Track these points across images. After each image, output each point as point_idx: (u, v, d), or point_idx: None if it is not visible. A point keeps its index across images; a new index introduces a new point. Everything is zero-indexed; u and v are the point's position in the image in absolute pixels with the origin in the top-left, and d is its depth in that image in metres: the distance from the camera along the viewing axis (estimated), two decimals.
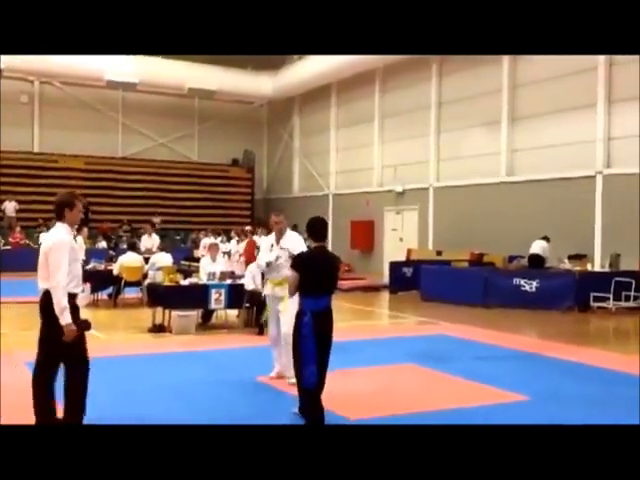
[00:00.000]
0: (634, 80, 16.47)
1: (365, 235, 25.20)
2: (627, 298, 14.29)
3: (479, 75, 20.87)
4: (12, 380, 7.15)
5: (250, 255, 15.05)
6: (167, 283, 11.41)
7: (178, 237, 28.34)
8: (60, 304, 5.05)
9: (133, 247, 15.10)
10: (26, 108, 28.31)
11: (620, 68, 17.06)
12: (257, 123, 33.10)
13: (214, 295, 11.22)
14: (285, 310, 7.12)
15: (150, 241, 17.64)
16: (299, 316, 5.78)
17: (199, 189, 29.97)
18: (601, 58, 17.21)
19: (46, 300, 5.17)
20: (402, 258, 20.82)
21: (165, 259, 13.43)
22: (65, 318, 5.05)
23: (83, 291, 6.76)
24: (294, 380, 6.16)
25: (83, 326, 5.25)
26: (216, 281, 11.45)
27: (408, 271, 18.25)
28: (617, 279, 14.29)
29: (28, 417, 5.27)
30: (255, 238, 18.21)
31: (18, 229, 25.09)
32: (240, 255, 17.54)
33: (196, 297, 11.25)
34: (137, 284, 14.05)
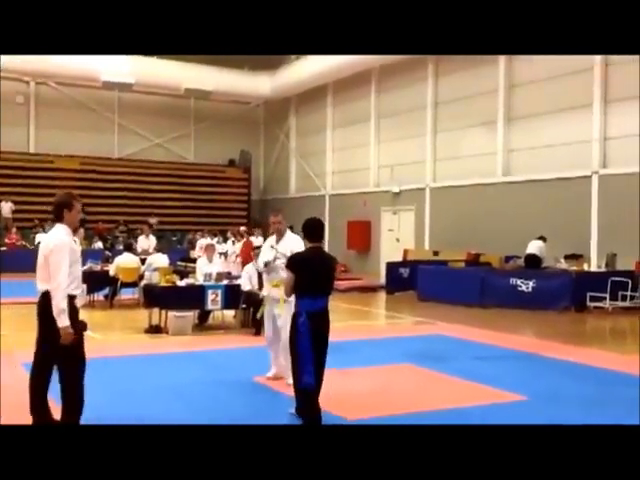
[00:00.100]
0: (630, 80, 16.50)
1: (362, 235, 25.20)
2: (623, 298, 14.31)
3: (475, 75, 20.88)
4: (12, 380, 7.15)
5: (246, 256, 15.02)
6: (163, 284, 11.40)
7: (174, 238, 28.31)
8: (59, 306, 5.02)
9: (129, 248, 15.08)
10: (22, 108, 28.26)
11: (616, 68, 17.08)
12: (253, 123, 33.09)
13: (211, 296, 11.21)
14: (282, 312, 7.10)
15: (147, 242, 17.62)
16: (295, 317, 5.78)
17: (195, 190, 29.94)
18: (597, 58, 17.23)
19: (45, 301, 5.15)
20: (399, 258, 20.81)
21: (161, 260, 13.41)
22: (63, 320, 5.03)
23: (83, 292, 6.75)
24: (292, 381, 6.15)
25: (80, 327, 5.23)
26: (212, 282, 11.43)
27: (405, 271, 18.26)
28: (613, 279, 14.31)
29: (28, 417, 5.26)
30: (252, 239, 18.20)
31: (14, 230, 25.04)
32: (236, 256, 17.52)
33: (192, 298, 11.24)
34: (133, 285, 14.03)
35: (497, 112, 20.08)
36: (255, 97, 30.93)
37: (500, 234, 18.96)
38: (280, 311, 7.17)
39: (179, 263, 18.40)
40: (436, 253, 20.46)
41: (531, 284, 14.94)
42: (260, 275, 10.54)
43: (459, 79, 21.52)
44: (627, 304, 14.29)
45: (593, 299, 14.35)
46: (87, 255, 17.17)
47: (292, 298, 6.03)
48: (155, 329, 11.07)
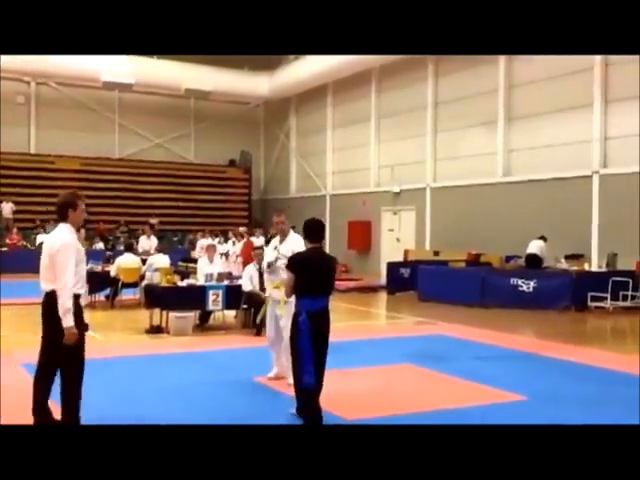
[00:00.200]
0: (630, 80, 16.50)
1: (362, 235, 25.20)
2: (624, 298, 14.30)
3: (475, 75, 20.88)
4: (12, 380, 7.16)
5: (247, 256, 15.02)
6: (164, 284, 11.40)
7: (175, 238, 28.33)
8: (64, 306, 5.02)
9: (130, 248, 15.08)
10: (22, 109, 28.27)
11: (616, 68, 17.09)
12: (254, 123, 33.09)
13: (211, 296, 11.21)
14: (283, 313, 7.10)
15: (148, 243, 17.61)
16: (295, 317, 5.79)
17: (196, 190, 29.96)
18: (597, 58, 17.24)
19: (50, 301, 5.14)
20: (399, 258, 20.82)
21: (162, 260, 13.41)
22: (68, 320, 5.03)
23: (85, 292, 6.76)
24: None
25: (82, 328, 5.24)
26: (213, 282, 11.44)
27: (405, 271, 18.25)
28: (614, 279, 14.30)
29: (28, 417, 5.26)
30: (253, 239, 18.20)
31: (15, 230, 25.05)
32: (237, 256, 17.52)
33: (193, 298, 11.24)
34: (134, 285, 14.03)
35: (497, 112, 20.08)
36: (255, 97, 30.94)
37: (500, 234, 18.96)
38: (281, 312, 7.17)
39: (180, 263, 18.43)
40: (437, 253, 20.47)
41: (532, 284, 14.94)
42: (261, 275, 10.57)
43: (459, 79, 21.53)
44: (628, 304, 14.28)
45: (594, 299, 14.34)
46: (88, 255, 17.16)
47: (292, 298, 6.04)
48: (156, 329, 11.07)
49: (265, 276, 7.91)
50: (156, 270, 12.26)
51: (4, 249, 23.61)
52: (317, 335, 5.67)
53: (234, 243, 19.17)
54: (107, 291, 14.34)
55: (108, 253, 19.25)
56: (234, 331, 11.47)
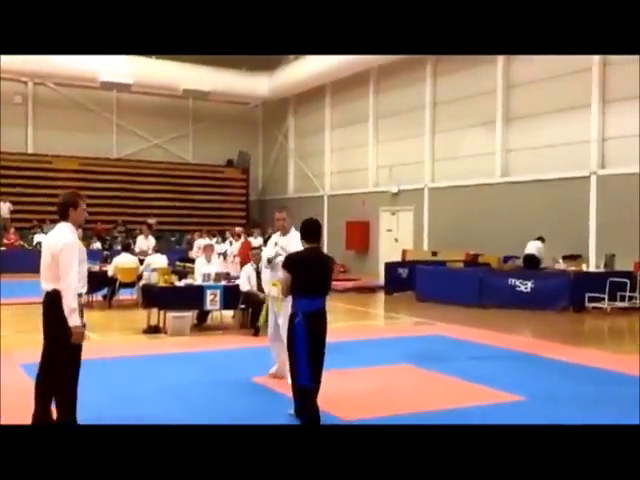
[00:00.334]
0: (629, 80, 16.50)
1: (360, 236, 25.20)
2: (622, 298, 14.31)
3: (474, 75, 20.88)
4: (12, 380, 7.15)
5: (245, 256, 15.02)
6: (162, 284, 11.39)
7: (173, 238, 28.30)
8: (70, 305, 5.01)
9: (127, 248, 15.07)
10: (20, 109, 28.23)
11: (614, 68, 17.09)
12: (252, 124, 33.07)
13: (209, 296, 11.21)
14: (279, 310, 7.11)
15: (146, 243, 17.60)
16: (292, 317, 5.78)
17: (194, 190, 29.93)
18: (595, 58, 17.24)
19: (51, 301, 5.13)
20: (397, 259, 20.81)
21: (160, 260, 13.41)
22: (74, 320, 5.02)
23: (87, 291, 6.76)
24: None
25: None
26: (211, 282, 11.43)
27: (403, 272, 18.25)
28: (612, 279, 14.32)
29: (27, 417, 5.25)
30: (251, 239, 18.21)
31: (12, 230, 25.02)
32: (235, 256, 17.52)
33: (191, 298, 11.24)
34: (132, 285, 14.01)
35: (496, 112, 20.08)
36: (253, 97, 30.92)
37: (499, 234, 18.97)
38: (278, 310, 7.17)
39: (178, 263, 18.39)
40: (435, 253, 20.47)
41: (530, 284, 14.95)
42: (259, 275, 10.56)
43: (458, 79, 21.53)
44: (625, 304, 14.29)
45: (591, 299, 14.34)
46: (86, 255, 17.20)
47: (290, 297, 6.03)
48: (154, 329, 11.06)
49: (263, 275, 7.91)
50: (154, 270, 12.25)
51: (1, 249, 23.57)
52: (314, 336, 5.67)
53: (231, 243, 19.19)
54: (104, 291, 14.33)
55: (105, 253, 19.24)
56: (232, 331, 11.47)
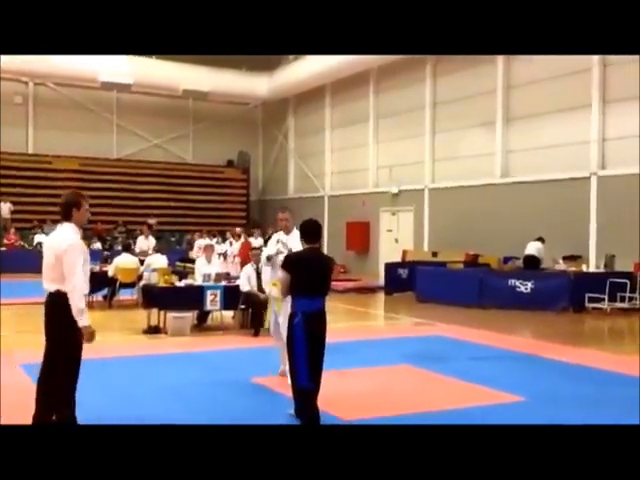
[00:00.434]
0: (628, 81, 16.50)
1: (360, 236, 25.19)
2: (622, 299, 14.30)
3: (474, 75, 20.88)
4: (12, 381, 7.15)
5: (245, 257, 15.02)
6: (162, 284, 11.39)
7: (173, 238, 28.30)
8: (78, 306, 5.01)
9: (128, 248, 15.07)
10: (20, 109, 28.23)
11: (614, 69, 17.09)
12: (252, 124, 33.07)
13: (209, 296, 11.21)
14: (280, 310, 7.11)
15: (146, 243, 17.60)
16: (291, 318, 5.78)
17: (194, 190, 29.93)
18: (595, 59, 17.23)
19: (53, 302, 5.12)
20: (397, 259, 20.81)
21: (160, 260, 13.40)
22: (83, 320, 5.02)
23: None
24: None
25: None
26: (211, 282, 11.43)
27: (403, 272, 18.26)
28: (612, 280, 14.31)
29: (27, 417, 5.25)
30: (251, 240, 18.21)
31: (12, 230, 25.02)
32: (235, 256, 17.53)
33: (191, 298, 11.24)
34: (132, 285, 14.01)
35: (496, 112, 20.07)
36: (253, 98, 30.92)
37: (499, 235, 18.97)
38: (279, 309, 7.17)
39: (178, 264, 18.39)
40: (435, 254, 20.46)
41: (530, 285, 14.95)
42: (259, 276, 10.57)
43: (458, 79, 21.52)
44: (625, 305, 14.29)
45: (591, 300, 14.34)
46: None
47: (289, 297, 6.02)
48: (154, 330, 11.06)
49: (263, 276, 7.90)
50: (154, 270, 12.25)
51: (2, 249, 23.57)
52: (313, 336, 5.66)
53: (231, 243, 19.20)
54: (105, 291, 14.32)
55: (106, 253, 19.24)
56: (232, 331, 11.47)
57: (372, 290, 19.17)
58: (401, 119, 24.05)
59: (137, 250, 17.02)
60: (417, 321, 13.47)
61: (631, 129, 16.43)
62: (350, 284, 19.48)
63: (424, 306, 15.48)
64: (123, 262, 14.07)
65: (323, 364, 5.81)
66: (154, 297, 11.27)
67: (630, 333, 12.58)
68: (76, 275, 5.02)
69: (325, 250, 21.75)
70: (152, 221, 26.03)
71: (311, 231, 5.98)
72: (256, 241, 17.94)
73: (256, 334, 10.64)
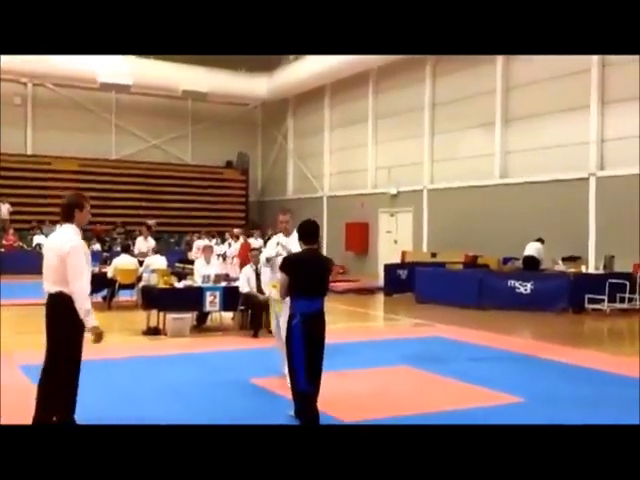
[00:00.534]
0: (628, 81, 16.51)
1: (360, 237, 25.19)
2: (621, 300, 14.30)
3: (473, 76, 20.89)
4: (12, 381, 7.15)
5: (244, 258, 15.03)
6: (161, 285, 11.38)
7: (172, 240, 28.29)
8: (84, 307, 5.00)
9: (127, 249, 15.06)
10: (19, 110, 28.22)
11: (614, 69, 17.10)
12: (251, 125, 33.07)
13: (209, 297, 11.21)
14: (281, 311, 7.11)
15: (145, 244, 17.59)
16: (290, 319, 5.77)
17: (193, 191, 29.94)
18: (594, 59, 17.24)
19: (54, 303, 5.11)
20: (397, 260, 20.81)
21: (159, 262, 13.39)
22: (91, 321, 5.01)
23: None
24: None
25: (81, 327, 5.21)
26: (211, 284, 11.43)
27: (403, 273, 18.25)
28: (611, 281, 14.31)
29: (27, 417, 5.24)
30: (251, 240, 18.21)
31: (11, 231, 25.00)
32: (234, 257, 17.53)
33: (191, 299, 11.23)
34: (131, 287, 14.00)
35: (495, 113, 20.08)
36: (253, 98, 30.93)
37: (498, 236, 18.97)
38: (279, 310, 7.17)
39: (177, 265, 18.37)
40: (434, 255, 20.45)
41: (529, 286, 14.95)
42: (258, 277, 10.56)
43: (457, 79, 21.53)
44: (625, 306, 14.29)
45: (591, 301, 14.34)
46: None
47: (288, 299, 6.02)
48: (153, 331, 11.05)
49: (262, 277, 7.90)
50: (153, 271, 12.24)
51: (1, 250, 23.56)
52: (312, 338, 5.64)
53: (230, 245, 19.20)
54: (104, 292, 14.31)
55: (105, 254, 19.22)
56: (231, 332, 11.46)
57: (371, 291, 19.17)
58: (400, 119, 24.06)
59: (136, 251, 17.01)
60: (416, 322, 13.47)
61: (630, 130, 16.44)
62: (349, 285, 19.48)
63: (423, 307, 15.48)
64: (122, 263, 14.06)
65: (322, 366, 5.80)
66: (153, 298, 11.26)
67: (630, 334, 12.58)
68: (82, 277, 5.01)
69: (324, 251, 21.76)
70: (151, 222, 26.01)
71: (309, 232, 5.97)
72: (256, 242, 17.94)
73: (255, 335, 10.64)
